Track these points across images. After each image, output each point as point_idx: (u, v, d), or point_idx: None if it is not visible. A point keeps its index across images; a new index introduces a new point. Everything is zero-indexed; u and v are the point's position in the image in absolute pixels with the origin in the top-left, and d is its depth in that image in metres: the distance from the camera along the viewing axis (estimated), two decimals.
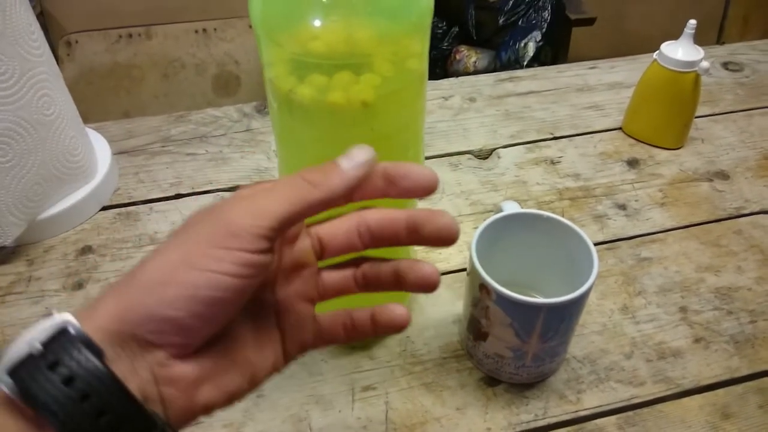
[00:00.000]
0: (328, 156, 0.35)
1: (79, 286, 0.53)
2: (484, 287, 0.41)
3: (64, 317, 0.23)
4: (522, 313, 0.40)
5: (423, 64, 0.36)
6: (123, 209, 0.61)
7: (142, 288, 0.24)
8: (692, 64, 0.61)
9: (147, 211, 0.61)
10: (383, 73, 0.32)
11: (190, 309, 0.24)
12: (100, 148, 0.64)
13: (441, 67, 1.50)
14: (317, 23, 0.31)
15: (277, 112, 0.36)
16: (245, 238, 0.24)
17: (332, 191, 0.26)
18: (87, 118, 0.62)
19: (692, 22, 0.61)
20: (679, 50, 0.62)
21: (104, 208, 0.61)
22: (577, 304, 0.41)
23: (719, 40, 1.72)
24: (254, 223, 0.25)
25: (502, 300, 0.40)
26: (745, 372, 0.47)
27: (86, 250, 0.57)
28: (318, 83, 0.31)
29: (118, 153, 0.67)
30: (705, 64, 0.61)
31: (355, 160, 0.27)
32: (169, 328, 0.24)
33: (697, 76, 0.63)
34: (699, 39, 0.62)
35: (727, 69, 0.80)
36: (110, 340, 0.23)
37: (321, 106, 0.32)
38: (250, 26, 1.38)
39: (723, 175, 0.64)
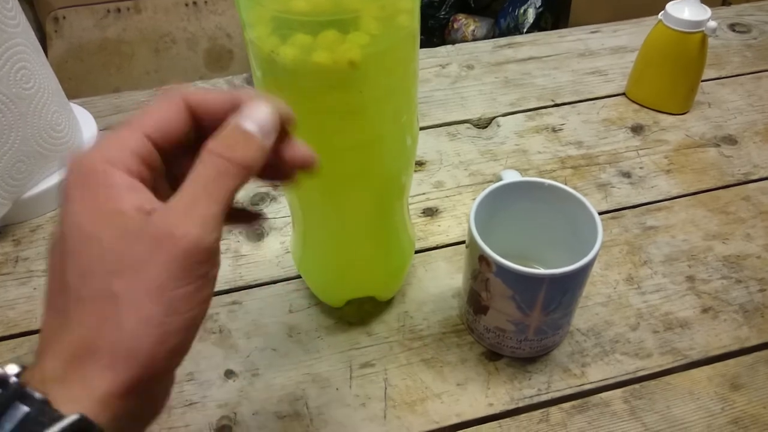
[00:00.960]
0: (315, 124, 0.33)
1: None
2: (483, 259, 0.39)
3: (75, 417, 0.20)
4: (523, 285, 0.39)
5: (414, 22, 0.33)
6: None
7: (141, 357, 0.21)
8: (699, 24, 0.59)
9: None
10: (371, 31, 0.30)
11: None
12: (85, 123, 0.62)
13: (438, 36, 1.47)
14: None
15: (260, 78, 0.34)
16: (207, 260, 0.22)
17: (253, 169, 0.23)
18: (77, 95, 0.60)
19: None
20: (686, 10, 0.59)
21: None
22: (581, 275, 0.39)
23: (725, 1, 1.68)
24: (204, 238, 0.22)
25: (503, 272, 0.38)
26: (754, 342, 0.45)
27: None
28: (302, 43, 0.29)
29: (104, 129, 0.65)
30: (712, 23, 0.59)
31: (260, 123, 0.24)
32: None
33: (704, 37, 0.60)
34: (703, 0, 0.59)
35: (734, 30, 0.78)
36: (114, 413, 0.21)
37: (305, 67, 0.30)
38: None
39: (730, 140, 0.62)
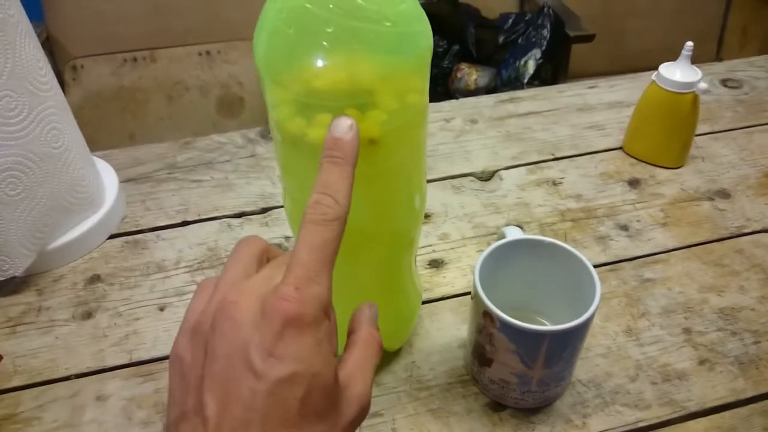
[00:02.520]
0: None
1: (88, 315, 0.54)
2: (487, 314, 0.41)
3: None
4: (526, 340, 0.41)
5: (424, 98, 0.36)
6: (130, 237, 0.62)
7: None
8: (690, 85, 0.62)
9: (154, 239, 0.61)
10: (388, 109, 0.33)
11: None
12: (107, 176, 0.65)
13: (442, 85, 1.52)
14: (320, 64, 0.31)
15: (281, 147, 0.37)
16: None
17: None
18: (93, 141, 0.63)
19: (689, 44, 0.62)
20: (677, 72, 0.63)
21: (112, 237, 0.62)
22: (581, 330, 0.41)
23: (718, 52, 1.73)
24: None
25: (506, 327, 0.41)
26: (750, 394, 0.47)
27: (95, 279, 0.57)
28: (325, 123, 0.32)
29: (125, 181, 0.68)
30: (703, 85, 0.62)
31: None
32: None
33: (696, 97, 0.63)
34: (698, 51, 0.62)
35: (726, 86, 0.81)
36: None
37: None
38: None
39: (724, 194, 0.64)
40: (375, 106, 0.32)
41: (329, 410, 0.26)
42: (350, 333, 0.31)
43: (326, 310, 0.27)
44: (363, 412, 0.28)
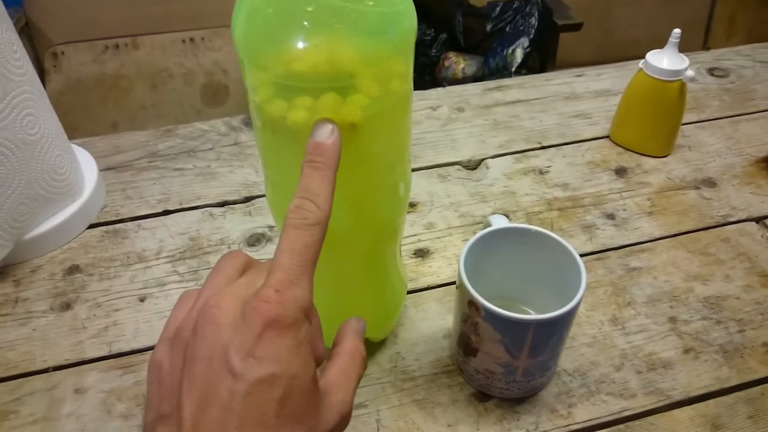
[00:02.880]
0: None
1: (66, 306, 0.53)
2: (472, 304, 0.41)
3: None
4: (511, 329, 0.40)
5: (408, 84, 0.36)
6: (110, 227, 0.60)
7: None
8: (677, 72, 0.62)
9: (135, 229, 0.60)
10: (369, 94, 0.32)
11: None
12: (86, 164, 0.63)
13: (430, 73, 1.51)
14: (300, 45, 0.30)
15: (262, 132, 0.36)
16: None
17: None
18: (75, 129, 0.62)
19: (677, 31, 0.61)
20: (665, 59, 0.62)
21: (91, 226, 0.61)
22: (566, 319, 0.41)
23: (705, 42, 1.73)
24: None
25: (491, 317, 0.40)
26: (734, 382, 0.47)
27: (74, 269, 0.56)
28: (306, 106, 0.31)
29: (104, 169, 0.67)
30: (690, 72, 0.62)
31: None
32: None
33: (683, 85, 0.63)
34: (685, 41, 0.62)
35: (712, 75, 0.81)
36: None
37: (308, 129, 0.32)
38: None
39: (710, 183, 0.64)
40: (356, 89, 0.31)
41: (307, 414, 0.25)
42: (335, 344, 0.31)
43: (307, 313, 0.27)
44: (343, 421, 0.28)
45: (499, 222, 0.47)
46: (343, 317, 0.47)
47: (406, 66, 0.34)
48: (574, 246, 0.43)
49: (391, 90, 0.34)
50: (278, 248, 0.27)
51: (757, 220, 0.60)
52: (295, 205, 0.28)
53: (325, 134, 0.30)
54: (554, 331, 0.41)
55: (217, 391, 0.24)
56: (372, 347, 0.49)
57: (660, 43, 0.64)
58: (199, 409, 0.24)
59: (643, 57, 0.64)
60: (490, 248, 0.45)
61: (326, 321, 0.47)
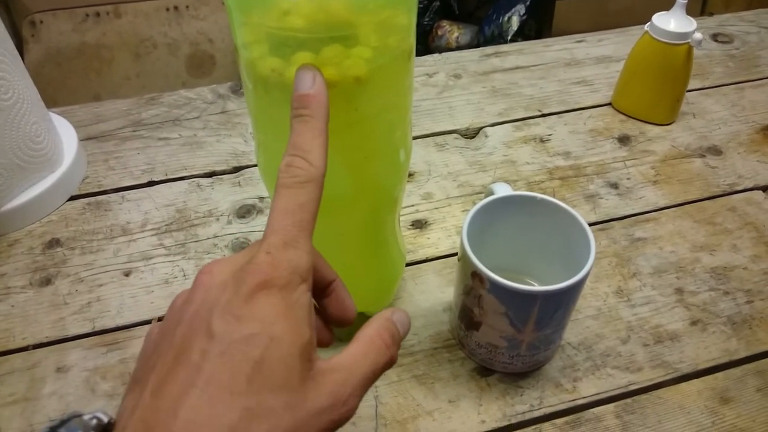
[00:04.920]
0: None
1: (47, 281, 0.50)
2: (476, 275, 0.39)
3: None
4: (517, 301, 0.38)
5: (410, 39, 0.33)
6: (92, 198, 0.58)
7: None
8: (685, 35, 0.59)
9: (118, 200, 0.57)
10: (371, 45, 0.29)
11: None
12: (66, 134, 0.60)
13: (423, 42, 1.47)
14: None
15: (254, 94, 0.33)
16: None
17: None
18: (55, 101, 0.59)
19: None
20: (671, 21, 0.60)
21: (72, 198, 0.58)
22: (574, 290, 0.39)
23: (703, 9, 1.70)
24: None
25: (497, 288, 0.38)
26: (743, 354, 0.45)
27: (54, 243, 0.53)
28: (306, 61, 0.28)
29: (85, 139, 0.63)
30: (698, 35, 0.59)
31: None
32: None
33: (690, 48, 0.60)
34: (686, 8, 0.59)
35: (716, 41, 0.78)
36: None
37: None
38: (224, 3, 1.33)
39: (715, 151, 0.62)
40: (357, 41, 0.29)
41: (287, 385, 0.22)
42: (362, 328, 0.27)
43: (304, 275, 0.24)
44: (337, 408, 0.23)
45: (502, 190, 0.45)
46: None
47: (407, 18, 0.32)
48: (578, 214, 0.41)
49: (393, 43, 0.31)
50: (271, 210, 0.25)
51: (764, 188, 0.58)
52: (286, 164, 0.26)
53: (308, 83, 0.27)
54: (561, 303, 0.39)
55: (191, 352, 0.21)
56: None
57: (656, 12, 0.61)
58: (166, 372, 0.21)
59: (638, 25, 0.62)
60: (492, 218, 0.43)
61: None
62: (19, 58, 0.53)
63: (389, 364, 0.26)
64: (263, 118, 0.35)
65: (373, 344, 0.26)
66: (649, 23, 0.61)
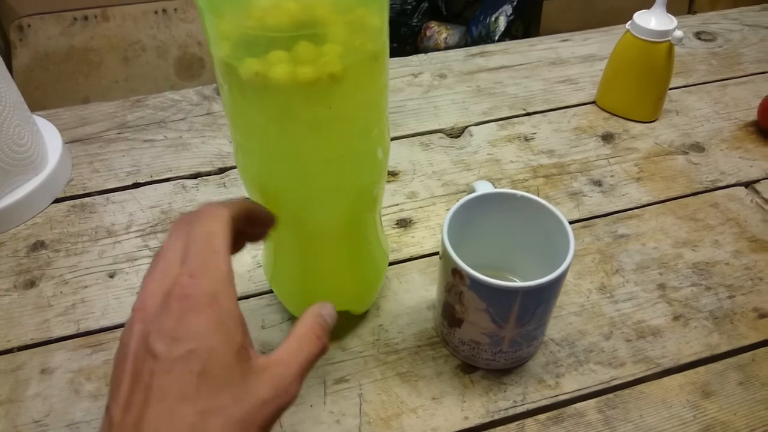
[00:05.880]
0: (283, 137, 0.33)
1: (31, 284, 0.50)
2: (457, 272, 0.39)
3: None
4: (497, 297, 0.39)
5: (383, 37, 0.33)
6: (77, 201, 0.58)
7: None
8: (665, 33, 0.60)
9: (103, 202, 0.57)
10: (342, 43, 0.29)
11: None
12: (50, 136, 0.60)
13: (411, 44, 1.47)
14: None
15: (229, 95, 0.33)
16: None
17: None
18: (43, 105, 0.59)
19: None
20: (652, 20, 0.60)
21: (57, 201, 0.58)
22: (554, 286, 0.39)
23: (690, 8, 1.71)
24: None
25: (476, 285, 0.38)
26: (724, 348, 0.46)
27: (38, 245, 0.53)
28: (284, 59, 0.29)
29: (70, 141, 0.63)
30: (678, 33, 0.60)
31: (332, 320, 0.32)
32: None
33: (671, 46, 0.61)
34: (670, 8, 0.60)
35: (699, 39, 0.79)
36: None
37: (289, 84, 0.29)
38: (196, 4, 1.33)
39: (698, 148, 0.63)
40: (329, 39, 0.29)
41: (230, 384, 0.25)
42: (295, 326, 0.30)
43: (227, 284, 0.27)
44: (280, 395, 0.27)
45: (483, 188, 0.45)
46: (324, 289, 0.45)
47: (379, 17, 0.32)
48: (558, 210, 0.42)
49: (366, 42, 0.31)
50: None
51: (746, 184, 0.59)
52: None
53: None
54: (542, 299, 0.40)
55: (142, 375, 0.25)
56: (354, 320, 0.47)
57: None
58: (126, 398, 0.25)
59: (624, 24, 0.62)
60: (474, 215, 0.44)
61: (306, 293, 0.45)
62: (2, 61, 0.53)
63: (322, 352, 0.30)
64: (239, 118, 0.35)
65: (306, 338, 0.29)
66: (630, 21, 0.62)
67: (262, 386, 0.26)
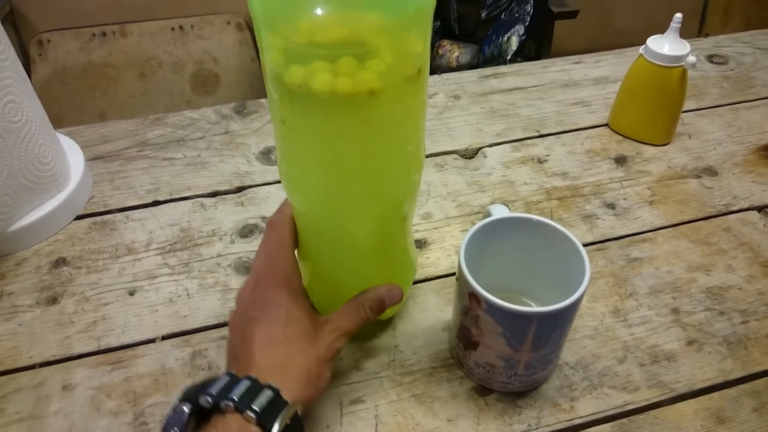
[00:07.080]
0: (323, 145, 0.35)
1: (53, 300, 0.51)
2: (473, 296, 0.40)
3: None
4: (513, 322, 0.39)
5: (423, 59, 0.35)
6: (98, 218, 0.59)
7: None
8: (679, 58, 0.61)
9: (123, 220, 0.58)
10: (385, 62, 0.31)
11: None
12: (72, 154, 0.61)
13: None
14: (318, 12, 0.30)
15: (277, 101, 0.35)
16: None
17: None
18: (62, 119, 0.60)
19: (678, 16, 0.60)
20: (665, 45, 0.61)
21: (78, 218, 0.59)
22: (570, 311, 0.40)
23: (700, 31, 1.72)
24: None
25: (493, 309, 0.39)
26: (738, 374, 0.46)
27: (60, 262, 0.54)
28: (323, 68, 0.30)
29: (92, 159, 0.65)
30: (692, 58, 0.60)
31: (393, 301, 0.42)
32: None
33: (684, 71, 0.62)
34: (680, 30, 0.61)
35: (711, 62, 0.80)
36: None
37: (329, 94, 0.31)
38: (228, 23, 1.36)
39: (711, 171, 0.63)
40: (373, 56, 0.31)
41: (306, 332, 0.38)
42: (361, 293, 0.41)
43: (294, 272, 0.41)
44: (336, 341, 0.39)
45: (499, 211, 0.46)
46: (351, 291, 0.46)
47: (422, 40, 0.34)
48: (574, 236, 0.42)
49: (406, 64, 0.33)
50: None
51: (759, 209, 0.59)
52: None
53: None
54: (557, 323, 0.40)
55: (247, 332, 0.38)
56: (370, 341, 0.48)
57: (655, 32, 0.62)
58: (240, 345, 0.38)
59: (638, 45, 0.63)
60: (490, 239, 0.44)
61: (332, 302, 0.46)
62: (28, 80, 0.55)
63: (364, 322, 0.40)
64: (285, 126, 0.36)
65: (356, 307, 0.40)
66: (643, 46, 0.62)
67: (325, 335, 0.38)
